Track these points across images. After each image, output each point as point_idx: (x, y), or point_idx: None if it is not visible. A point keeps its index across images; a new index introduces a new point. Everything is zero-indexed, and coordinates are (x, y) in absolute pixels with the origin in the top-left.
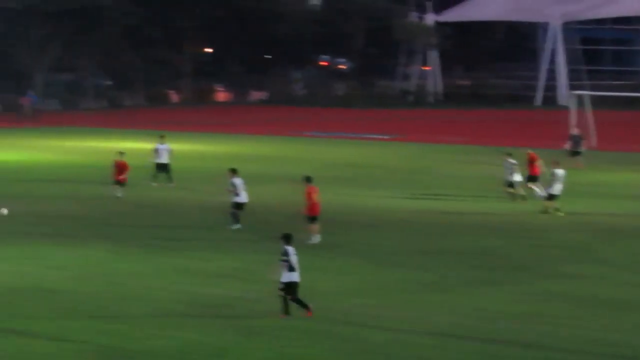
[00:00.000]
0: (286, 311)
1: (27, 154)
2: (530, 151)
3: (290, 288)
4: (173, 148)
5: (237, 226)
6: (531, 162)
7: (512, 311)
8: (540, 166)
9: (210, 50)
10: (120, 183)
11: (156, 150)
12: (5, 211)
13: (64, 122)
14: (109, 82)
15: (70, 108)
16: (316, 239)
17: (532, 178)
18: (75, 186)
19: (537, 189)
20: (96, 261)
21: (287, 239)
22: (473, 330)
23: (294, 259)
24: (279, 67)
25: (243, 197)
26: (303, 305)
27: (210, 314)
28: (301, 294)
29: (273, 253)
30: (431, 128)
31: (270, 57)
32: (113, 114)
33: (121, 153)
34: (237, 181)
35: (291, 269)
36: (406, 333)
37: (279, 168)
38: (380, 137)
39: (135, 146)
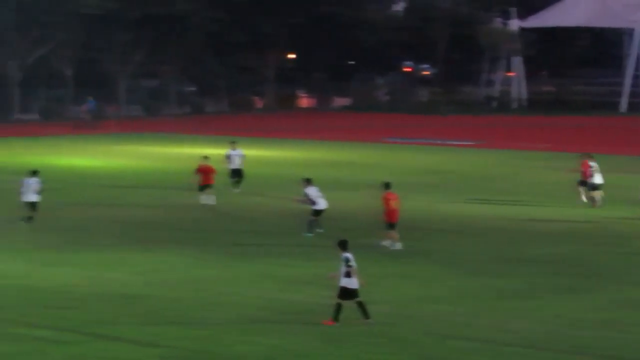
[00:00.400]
0: (335, 317)
1: (110, 160)
2: (586, 156)
3: (347, 294)
4: (256, 155)
5: (310, 235)
6: (585, 166)
7: (595, 319)
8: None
9: (293, 56)
10: (205, 187)
11: (228, 157)
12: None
13: (146, 129)
14: (192, 89)
15: (153, 114)
16: (397, 245)
17: (583, 182)
18: (159, 192)
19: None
20: (179, 267)
21: (343, 245)
22: (556, 339)
23: (353, 265)
24: (362, 73)
25: (322, 204)
26: (337, 312)
27: (292, 320)
28: (384, 300)
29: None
30: (515, 134)
31: (353, 63)
32: (196, 120)
33: (205, 157)
34: (312, 190)
35: (350, 275)
36: (489, 341)
37: (362, 174)
38: (463, 143)
39: (218, 152)
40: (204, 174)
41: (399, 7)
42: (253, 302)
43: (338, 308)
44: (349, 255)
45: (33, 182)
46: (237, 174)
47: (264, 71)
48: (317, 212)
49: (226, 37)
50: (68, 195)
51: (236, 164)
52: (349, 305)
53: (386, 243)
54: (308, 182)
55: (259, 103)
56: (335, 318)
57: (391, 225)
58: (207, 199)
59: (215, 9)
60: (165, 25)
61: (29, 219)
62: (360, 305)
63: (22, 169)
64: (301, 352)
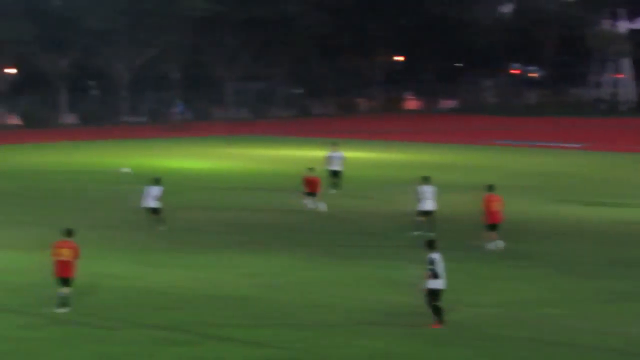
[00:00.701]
0: (440, 320)
1: (218, 162)
2: None
3: (433, 295)
4: (362, 157)
5: (417, 233)
6: None
7: None
8: None
9: (401, 58)
10: (311, 194)
11: (329, 158)
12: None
13: (253, 131)
14: (299, 91)
15: (260, 116)
16: (499, 244)
17: None
18: (266, 194)
19: None
20: (288, 269)
21: (431, 245)
22: None
23: (439, 266)
24: (470, 75)
25: (428, 205)
26: (438, 314)
27: (398, 323)
28: (492, 302)
29: (458, 261)
30: (624, 137)
31: (461, 65)
32: (303, 122)
33: (310, 169)
34: (426, 189)
35: (435, 276)
36: (594, 348)
37: (469, 177)
38: (572, 145)
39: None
40: (310, 185)
41: (507, 8)
42: (358, 304)
43: (437, 310)
44: (433, 256)
45: (155, 190)
46: (336, 175)
47: (371, 73)
48: (423, 213)
49: (333, 39)
50: (177, 198)
51: (336, 165)
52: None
53: (490, 245)
54: (425, 180)
55: (366, 105)
56: (440, 320)
57: (491, 227)
58: (314, 204)
59: (323, 11)
60: (273, 28)
61: (159, 222)
62: (437, 309)
63: (133, 171)
64: (406, 355)
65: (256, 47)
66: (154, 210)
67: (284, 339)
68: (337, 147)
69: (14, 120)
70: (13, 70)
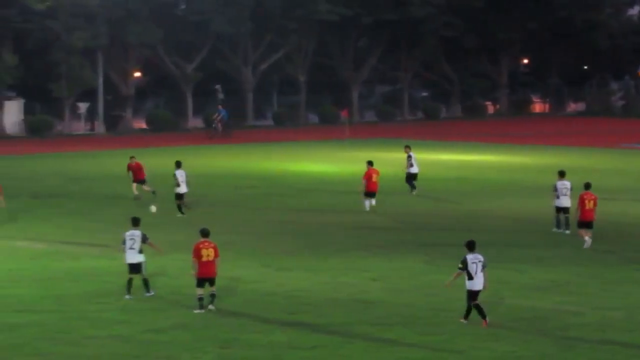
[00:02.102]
0: (483, 316)
1: (344, 166)
2: None
3: (471, 295)
4: (489, 160)
5: (558, 230)
6: None
7: None
8: None
9: (527, 61)
10: (371, 194)
11: (410, 157)
12: (154, 209)
13: (380, 134)
14: (425, 94)
15: (386, 120)
16: (588, 242)
17: None
18: (390, 198)
19: None
20: (411, 272)
21: (470, 246)
22: None
23: (473, 267)
24: (597, 78)
25: (563, 202)
26: (481, 313)
27: (525, 327)
28: (619, 305)
29: (584, 265)
30: None
31: (588, 68)
32: (429, 125)
33: (369, 162)
34: (559, 185)
35: (470, 277)
36: None
37: (596, 180)
38: None
39: (451, 158)
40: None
41: (635, 11)
42: (485, 307)
43: (479, 309)
44: (468, 257)
45: (183, 174)
46: (415, 177)
47: (498, 76)
48: (560, 210)
49: (460, 43)
50: (302, 201)
51: (415, 167)
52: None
53: (586, 244)
54: (561, 175)
55: (492, 108)
56: (484, 316)
57: (583, 224)
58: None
59: (450, 14)
60: (399, 31)
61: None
62: (470, 309)
63: (260, 175)
64: (536, 359)
65: (382, 50)
66: (182, 196)
67: (411, 342)
68: (410, 149)
69: (140, 124)
70: (138, 74)
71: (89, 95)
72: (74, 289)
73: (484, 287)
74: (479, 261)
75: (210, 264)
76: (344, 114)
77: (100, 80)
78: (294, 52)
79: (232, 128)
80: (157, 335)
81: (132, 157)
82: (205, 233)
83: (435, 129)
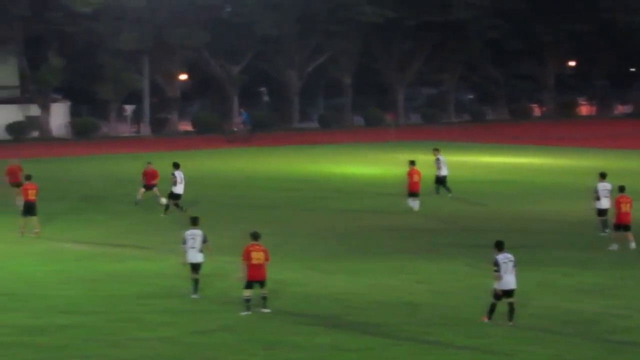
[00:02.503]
0: (489, 316)
1: (389, 168)
2: None
3: (504, 295)
4: (535, 163)
5: (604, 234)
6: None
7: None
8: None
9: (573, 63)
10: (415, 194)
11: (437, 162)
12: (164, 201)
13: (425, 137)
14: (471, 96)
15: (431, 122)
16: (632, 245)
17: None
18: (435, 201)
19: None
20: (457, 275)
21: (498, 246)
22: None
23: (504, 266)
24: None
25: (603, 204)
26: (511, 313)
27: (572, 330)
28: None
29: (627, 267)
30: None
31: (635, 70)
32: (475, 128)
33: (411, 162)
34: (600, 186)
35: (500, 277)
36: None
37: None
38: None
39: (496, 160)
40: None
41: None
42: (533, 311)
43: (510, 309)
44: (498, 257)
45: (182, 175)
46: (444, 180)
47: (544, 79)
48: (601, 212)
49: (505, 45)
50: (347, 203)
51: (445, 170)
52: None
53: (613, 247)
54: (602, 176)
55: (538, 111)
56: (489, 316)
57: (620, 227)
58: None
59: (495, 16)
60: (445, 33)
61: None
62: (494, 307)
63: (305, 177)
64: None
65: (428, 52)
66: (179, 196)
67: (459, 345)
68: (439, 152)
69: (185, 126)
70: (184, 77)
71: (134, 97)
72: (119, 290)
73: (516, 286)
74: (510, 260)
75: (260, 267)
76: (389, 117)
77: (146, 82)
78: (339, 54)
79: (253, 132)
80: (203, 337)
81: (149, 163)
82: (255, 236)
83: (480, 132)
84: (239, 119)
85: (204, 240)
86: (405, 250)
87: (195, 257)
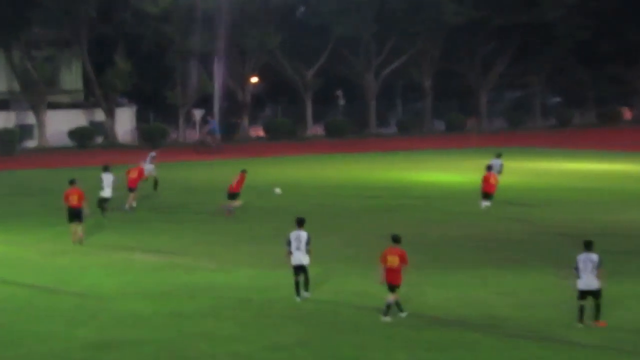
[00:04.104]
0: (578, 318)
1: (472, 175)
2: None
3: (582, 295)
4: (625, 169)
5: None
6: None
7: None
8: None
9: None
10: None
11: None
12: (278, 190)
13: (510, 142)
14: (558, 99)
15: (516, 127)
16: None
17: None
18: (520, 209)
19: None
20: (542, 287)
21: (585, 246)
22: None
23: (582, 265)
24: None
25: None
26: (597, 311)
27: None
28: None
29: None
30: None
31: None
32: (562, 133)
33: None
34: None
35: (579, 275)
36: None
37: None
38: None
39: (583, 167)
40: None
41: None
42: (622, 324)
43: (597, 308)
44: (579, 256)
45: (109, 178)
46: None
47: (634, 81)
48: None
49: (594, 46)
50: (428, 212)
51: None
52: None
53: None
54: None
55: (628, 114)
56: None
57: None
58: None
59: (585, 17)
60: (530, 33)
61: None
62: (582, 309)
63: (384, 184)
64: None
65: (512, 53)
66: (106, 200)
67: (542, 356)
68: (500, 157)
69: (257, 131)
70: (256, 80)
71: (204, 102)
72: (190, 304)
73: (598, 286)
74: (591, 261)
75: (393, 271)
76: (471, 122)
77: (217, 86)
78: (419, 56)
79: (223, 142)
80: (276, 352)
81: (243, 171)
82: (395, 239)
83: (567, 137)
84: (206, 127)
85: (308, 242)
86: (489, 262)
87: (300, 258)
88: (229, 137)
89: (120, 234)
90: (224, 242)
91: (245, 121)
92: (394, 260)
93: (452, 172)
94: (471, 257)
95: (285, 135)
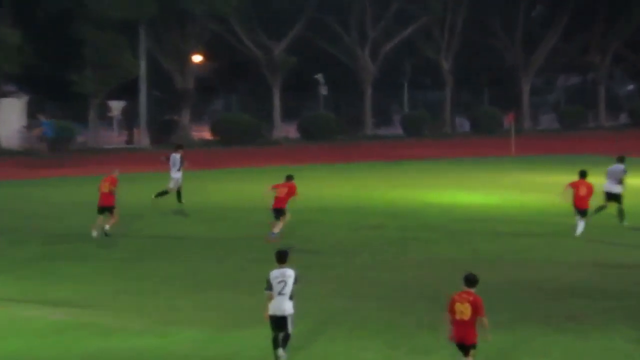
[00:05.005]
0: None
1: (504, 194)
2: None
3: None
4: None
5: None
6: None
7: None
8: None
9: None
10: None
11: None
12: None
13: (560, 148)
14: (632, 87)
15: (571, 127)
16: None
17: None
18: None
19: None
20: (614, 356)
21: None
22: None
23: None
24: None
25: None
26: None
27: None
28: None
29: None
30: None
31: None
32: (635, 134)
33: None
34: None
35: None
36: None
37: None
38: None
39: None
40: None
41: None
42: None
43: None
44: None
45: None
46: (611, 198)
47: None
48: None
49: None
50: (449, 247)
51: (611, 184)
52: None
53: None
54: None
55: None
56: None
57: None
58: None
59: None
60: None
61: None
62: None
63: (388, 209)
64: None
65: (566, 24)
66: None
67: None
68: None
69: (202, 133)
70: (200, 59)
71: (126, 90)
72: None
73: None
74: None
75: (464, 324)
76: (508, 120)
77: (143, 67)
78: (434, 26)
79: (62, 148)
80: None
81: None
82: (469, 281)
83: None
84: (37, 130)
85: (296, 281)
86: (536, 318)
87: (283, 306)
88: (161, 140)
89: (11, 279)
90: (155, 291)
91: (186, 118)
92: (464, 310)
93: (482, 190)
94: (509, 311)
95: (242, 138)
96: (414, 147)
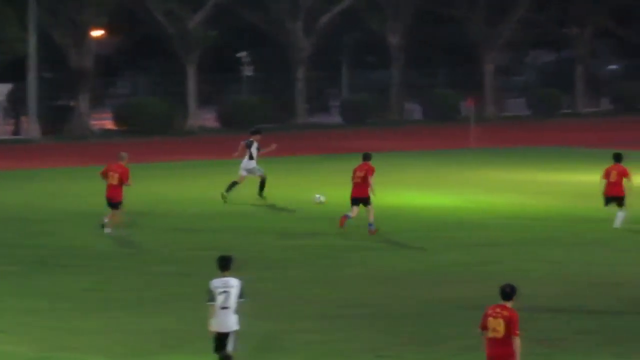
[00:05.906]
0: None
1: (466, 195)
2: None
3: None
4: None
5: None
6: None
7: None
8: None
9: None
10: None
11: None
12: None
13: (531, 140)
14: (615, 67)
15: (544, 113)
16: None
17: None
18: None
19: None
20: None
21: None
22: None
23: None
24: None
25: None
26: None
27: None
28: None
29: None
30: None
31: None
32: (621, 121)
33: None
34: None
35: None
36: None
37: None
38: None
39: None
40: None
41: None
42: None
43: None
44: None
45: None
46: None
47: None
48: None
49: None
50: (402, 259)
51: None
52: None
53: None
54: None
55: None
56: None
57: None
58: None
59: None
60: None
61: None
62: None
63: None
64: None
65: None
66: None
67: None
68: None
69: (103, 122)
70: (100, 33)
71: (13, 70)
72: None
73: None
74: None
75: (498, 343)
76: (468, 105)
77: (33, 43)
78: None
79: None
80: None
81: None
82: (506, 294)
83: (631, 128)
84: None
85: (241, 295)
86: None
87: (226, 321)
88: (55, 132)
89: None
90: (58, 312)
91: (84, 103)
92: (497, 327)
93: (438, 189)
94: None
95: (151, 127)
96: (354, 138)
